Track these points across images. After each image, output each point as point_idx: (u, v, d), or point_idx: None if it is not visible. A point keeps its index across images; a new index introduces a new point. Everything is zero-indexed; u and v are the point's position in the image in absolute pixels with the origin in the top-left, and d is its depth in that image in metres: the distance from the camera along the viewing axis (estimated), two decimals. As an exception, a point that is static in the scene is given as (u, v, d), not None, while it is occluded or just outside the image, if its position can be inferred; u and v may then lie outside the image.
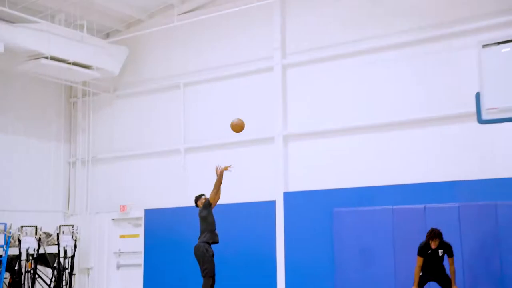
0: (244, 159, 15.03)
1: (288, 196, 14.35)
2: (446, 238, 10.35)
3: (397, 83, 13.35)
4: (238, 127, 11.06)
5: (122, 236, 17.05)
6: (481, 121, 9.53)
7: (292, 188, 14.43)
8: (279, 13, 14.95)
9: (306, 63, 14.57)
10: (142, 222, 16.46)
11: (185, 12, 16.28)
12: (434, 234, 10.11)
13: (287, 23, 14.97)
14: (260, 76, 15.21)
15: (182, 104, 16.33)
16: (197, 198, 11.75)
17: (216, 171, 11.15)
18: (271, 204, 14.51)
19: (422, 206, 12.23)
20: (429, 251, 10.22)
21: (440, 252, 10.23)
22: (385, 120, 13.32)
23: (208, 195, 11.49)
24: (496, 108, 9.34)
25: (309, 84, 14.56)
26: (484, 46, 9.62)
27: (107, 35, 17.65)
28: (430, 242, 10.18)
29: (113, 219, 17.10)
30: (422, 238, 10.86)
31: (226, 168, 11.16)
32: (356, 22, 13.93)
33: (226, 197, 14.84)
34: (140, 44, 17.21)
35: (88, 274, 17.14)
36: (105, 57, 16.37)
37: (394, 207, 12.56)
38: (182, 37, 16.54)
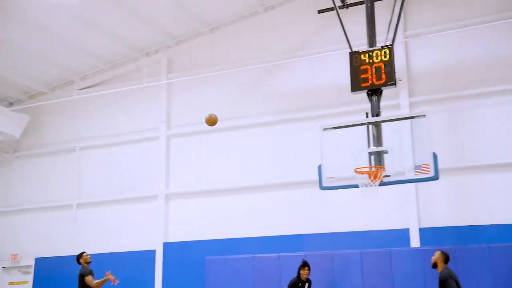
0: (131, 213, 16.44)
1: (168, 246, 15.63)
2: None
3: (260, 154, 15.20)
4: (211, 122, 10.57)
5: (11, 283, 17.30)
6: (322, 187, 11.17)
7: (171, 239, 15.73)
8: (165, 92, 16.71)
9: (188, 134, 16.25)
10: (32, 270, 17.00)
11: (85, 88, 17.70)
12: (306, 263, 11.66)
13: (173, 100, 16.71)
14: (148, 144, 16.73)
15: (78, 165, 17.44)
16: (79, 256, 11.37)
17: (107, 274, 10.95)
18: (152, 253, 15.73)
19: (277, 255, 13.51)
20: (300, 284, 11.60)
21: (306, 285, 11.65)
22: (249, 183, 15.06)
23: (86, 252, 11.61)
24: (333, 177, 11.05)
25: (189, 152, 16.20)
26: (324, 129, 11.40)
27: (11, 104, 18.58)
28: (301, 271, 11.59)
29: (3, 267, 17.47)
30: (278, 281, 12.70)
31: (114, 280, 10.96)
32: (231, 104, 15.74)
33: (112, 246, 16.31)
34: (42, 113, 18.18)
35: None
36: (7, 123, 17.10)
37: (255, 255, 13.75)
38: (81, 108, 17.75)
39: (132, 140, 17.05)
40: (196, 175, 16.02)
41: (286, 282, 12.08)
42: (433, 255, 9.53)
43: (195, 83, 16.24)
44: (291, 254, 13.42)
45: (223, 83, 16.03)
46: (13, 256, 17.40)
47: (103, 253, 16.17)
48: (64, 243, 16.92)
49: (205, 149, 16.09)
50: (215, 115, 10.61)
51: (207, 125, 10.73)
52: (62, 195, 17.51)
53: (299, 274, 11.75)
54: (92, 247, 16.13)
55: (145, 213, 16.38)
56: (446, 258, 9.31)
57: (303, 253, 13.09)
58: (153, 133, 16.74)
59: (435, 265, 9.39)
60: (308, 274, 11.73)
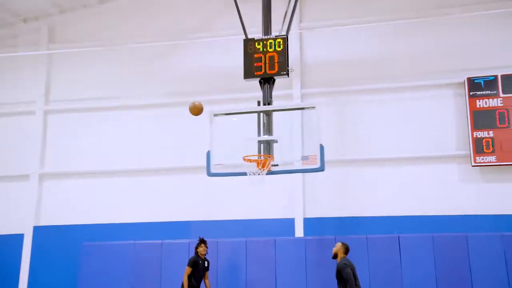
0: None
1: (39, 230, 14.75)
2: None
3: (147, 136, 14.74)
4: (195, 110, 10.32)
5: None
6: (210, 174, 11.04)
7: (43, 223, 14.86)
8: (45, 64, 15.74)
9: (68, 111, 15.46)
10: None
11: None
12: (202, 239, 11.43)
13: (54, 73, 15.79)
14: (22, 118, 15.69)
15: None
16: None
17: None
18: (19, 237, 14.77)
19: (160, 241, 13.18)
20: (200, 262, 11.26)
21: (206, 263, 11.41)
22: (133, 166, 14.60)
23: None
24: (221, 164, 10.98)
25: (69, 130, 15.36)
26: (215, 115, 11.27)
27: None
28: (198, 249, 11.33)
29: None
30: (159, 268, 12.49)
31: None
32: (119, 82, 15.21)
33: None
34: None
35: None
36: None
37: (136, 241, 13.35)
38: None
39: (5, 112, 15.95)
40: (75, 155, 15.25)
41: (168, 270, 11.91)
42: (333, 246, 9.73)
43: (80, 57, 15.47)
44: (175, 241, 13.22)
45: (111, 59, 15.39)
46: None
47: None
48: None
49: (86, 128, 15.38)
50: (199, 103, 10.34)
51: (191, 113, 10.47)
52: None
53: (196, 252, 11.41)
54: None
55: (15, 194, 15.38)
56: (346, 249, 9.54)
57: (187, 240, 12.95)
58: (28, 106, 15.71)
59: (335, 256, 9.57)
60: (206, 251, 11.49)
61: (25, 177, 15.25)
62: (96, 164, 14.99)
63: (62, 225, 14.69)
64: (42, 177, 15.25)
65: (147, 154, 14.69)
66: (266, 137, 11.11)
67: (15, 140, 15.66)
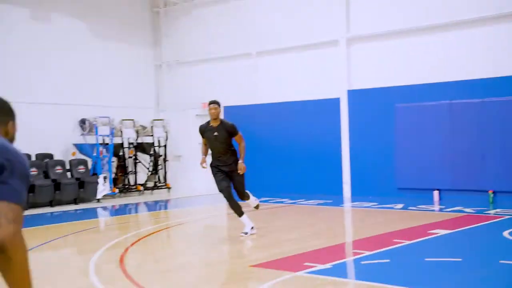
0: (310, 60, 15.62)
1: (353, 94, 14.84)
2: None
3: None
4: None
5: None
6: None
7: (355, 87, 14.85)
8: None
9: None
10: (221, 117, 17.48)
11: None
12: (210, 101, 9.11)
13: None
14: None
15: (252, 12, 16.64)
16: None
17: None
18: (336, 101, 15.10)
19: (479, 100, 12.42)
20: (206, 127, 9.07)
21: (215, 134, 8.88)
22: (443, 20, 13.34)
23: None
24: None
25: None
26: None
27: None
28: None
29: (197, 115, 17.81)
30: (479, 130, 11.70)
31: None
32: None
33: (294, 95, 16.00)
34: None
35: (180, 160, 18.23)
36: None
37: (452, 101, 12.82)
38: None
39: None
40: (381, 15, 14.51)
41: (489, 130, 11.11)
42: None
43: None
44: (496, 99, 12.24)
45: None
46: (203, 104, 17.68)
47: (285, 102, 16.05)
48: (246, 92, 16.92)
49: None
50: None
51: None
52: (241, 43, 17.05)
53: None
54: (273, 96, 16.40)
55: (327, 60, 15.49)
56: None
57: (510, 97, 12.00)
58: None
59: None
60: (215, 114, 8.92)
61: (334, 42, 15.20)
62: (404, 22, 14.03)
63: (374, 88, 14.50)
64: (349, 41, 14.98)
65: (456, 4, 13.30)
66: None
67: (322, 5, 15.50)
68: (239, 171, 8.75)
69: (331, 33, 15.28)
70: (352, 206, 12.88)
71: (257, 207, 9.56)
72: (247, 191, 9.19)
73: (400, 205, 12.31)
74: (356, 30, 15.00)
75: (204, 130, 9.06)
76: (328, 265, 6.64)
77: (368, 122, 14.59)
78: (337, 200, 13.98)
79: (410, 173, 13.60)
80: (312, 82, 15.66)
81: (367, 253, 7.31)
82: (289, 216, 11.54)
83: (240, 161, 8.80)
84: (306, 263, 6.70)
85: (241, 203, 9.05)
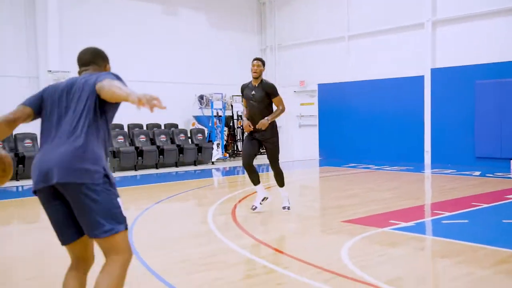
0: (397, 42, 15.15)
1: (435, 72, 14.27)
2: None
3: None
4: None
5: (302, 104, 17.95)
6: None
7: (438, 65, 14.28)
8: None
9: None
10: (316, 94, 17.27)
11: None
12: (255, 58, 7.33)
13: None
14: None
15: (346, 1, 16.37)
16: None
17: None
18: (421, 78, 14.54)
19: None
20: (247, 87, 7.34)
21: (253, 92, 7.15)
22: None
23: None
24: None
25: None
26: None
27: None
28: None
29: (294, 91, 17.99)
30: None
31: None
32: None
33: (382, 74, 15.57)
34: None
35: (279, 131, 18.31)
36: None
37: None
38: None
39: None
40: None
41: None
42: None
43: None
44: None
45: None
46: (301, 82, 17.77)
47: (374, 80, 15.66)
48: (339, 72, 16.67)
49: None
50: None
51: None
52: (335, 29, 16.76)
53: None
54: (362, 74, 16.05)
55: (412, 41, 14.94)
56: None
57: None
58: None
59: None
60: (258, 71, 7.11)
61: (420, 25, 14.62)
62: (485, 4, 13.24)
63: (455, 66, 13.80)
64: (435, 24, 14.36)
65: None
66: None
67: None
68: (258, 126, 7.00)
69: (417, 16, 14.70)
70: (432, 173, 12.44)
71: (264, 199, 7.48)
72: (281, 168, 7.39)
73: (478, 173, 11.75)
74: (441, 14, 14.31)
75: (244, 88, 7.34)
76: (411, 223, 6.49)
77: (449, 97, 13.95)
78: (418, 167, 13.54)
79: (489, 144, 12.96)
80: (399, 61, 15.18)
81: (447, 214, 7.05)
82: (375, 179, 11.33)
83: (266, 118, 7.00)
84: (391, 221, 6.58)
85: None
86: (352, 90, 16.26)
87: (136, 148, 13.88)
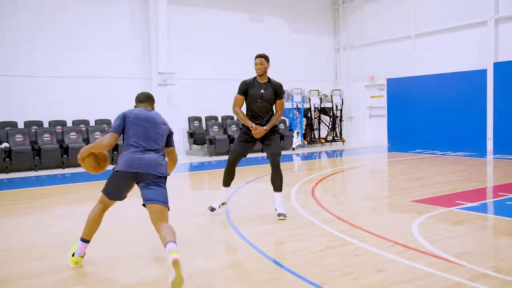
0: (461, 39, 14.35)
1: (497, 66, 13.38)
2: None
3: None
4: None
5: (372, 97, 17.53)
6: None
7: (501, 59, 13.39)
8: None
9: None
10: (385, 87, 16.75)
11: None
12: (257, 55, 5.81)
13: None
14: None
15: (413, 1, 15.73)
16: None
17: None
18: (484, 72, 13.72)
19: None
20: (251, 83, 5.86)
21: (262, 91, 5.79)
22: None
23: None
24: None
25: None
26: None
27: None
28: None
29: (365, 86, 17.59)
30: None
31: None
32: None
33: (447, 68, 14.78)
34: None
35: (351, 120, 18.12)
36: None
37: None
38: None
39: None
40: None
41: None
42: None
43: None
44: None
45: None
46: (371, 77, 17.30)
47: (438, 74, 14.92)
48: (406, 67, 16.06)
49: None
50: None
51: None
52: (402, 29, 16.13)
53: None
54: (428, 69, 15.32)
55: (476, 37, 14.05)
56: None
57: None
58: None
59: None
60: (261, 70, 5.75)
61: (483, 23, 13.75)
62: None
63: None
64: (497, 21, 13.45)
65: None
66: None
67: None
68: (256, 135, 5.64)
69: (480, 15, 13.82)
70: (494, 158, 11.68)
71: (223, 204, 6.05)
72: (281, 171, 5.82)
73: (539, 158, 10.93)
74: (503, 12, 13.36)
75: (249, 86, 5.74)
76: (476, 203, 6.15)
77: (511, 89, 13.00)
78: (481, 153, 12.77)
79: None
80: (462, 56, 14.37)
81: (510, 195, 6.61)
82: (440, 164, 10.83)
83: (264, 128, 5.64)
84: (457, 201, 6.27)
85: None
86: (418, 84, 15.62)
87: (229, 136, 14.15)
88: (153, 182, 3.84)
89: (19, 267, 4.05)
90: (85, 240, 3.93)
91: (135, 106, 4.21)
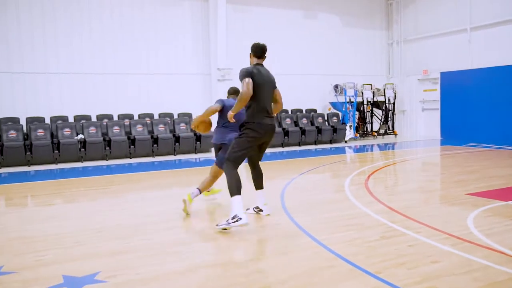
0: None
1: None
2: None
3: None
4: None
5: (425, 90, 16.98)
6: None
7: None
8: None
9: None
10: (439, 81, 16.14)
11: None
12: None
13: None
14: None
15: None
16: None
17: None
18: None
19: None
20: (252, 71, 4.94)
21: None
22: None
23: None
24: None
25: None
26: None
27: None
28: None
29: (418, 79, 17.06)
30: None
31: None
32: None
33: (501, 61, 14.05)
34: None
35: (404, 114, 17.66)
36: None
37: None
38: None
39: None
40: None
41: None
42: None
43: None
44: None
45: None
46: (424, 71, 16.74)
47: (493, 67, 14.19)
48: (460, 60, 15.43)
49: None
50: None
51: None
52: (457, 22, 15.45)
53: None
54: (482, 62, 14.62)
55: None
56: None
57: None
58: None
59: None
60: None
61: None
62: None
63: None
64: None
65: None
66: None
67: None
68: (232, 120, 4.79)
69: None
70: (554, 152, 11.01)
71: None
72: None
73: None
74: None
75: (256, 73, 4.76)
76: (533, 198, 5.85)
77: None
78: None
79: None
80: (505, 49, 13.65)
81: None
82: (496, 157, 10.33)
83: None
84: (513, 195, 6.00)
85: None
86: (473, 77, 14.91)
87: (283, 129, 14.18)
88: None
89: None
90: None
91: (227, 97, 5.67)
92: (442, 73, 16.04)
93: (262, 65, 5.01)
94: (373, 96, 16.43)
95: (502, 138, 13.74)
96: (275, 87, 5.09)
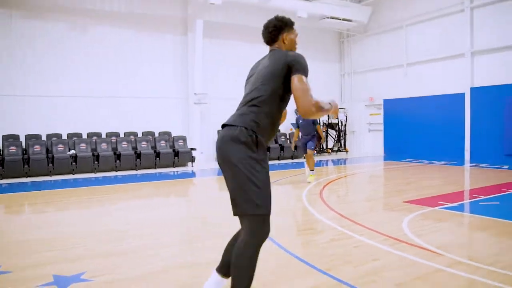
0: (444, 67, 14.18)
1: (474, 90, 13.19)
2: None
3: None
4: None
5: (371, 114, 17.34)
6: None
7: (476, 85, 13.19)
8: None
9: None
10: (382, 107, 16.61)
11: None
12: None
13: None
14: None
15: (405, 39, 15.63)
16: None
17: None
18: (462, 95, 13.52)
19: None
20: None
21: None
22: None
23: None
24: None
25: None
26: None
27: (359, 1, 17.18)
28: None
29: (365, 105, 17.46)
30: None
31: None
32: None
33: (432, 91, 14.64)
34: (381, 4, 16.54)
35: (353, 134, 18.02)
36: (359, 14, 16.24)
37: None
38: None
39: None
40: (499, 32, 12.52)
41: None
42: None
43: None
44: None
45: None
46: (370, 98, 17.23)
47: (426, 96, 14.80)
48: (399, 90, 15.96)
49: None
50: None
51: None
52: (396, 58, 16.05)
53: None
54: (417, 92, 15.16)
55: (455, 67, 13.90)
56: None
57: None
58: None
59: None
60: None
61: (461, 55, 13.59)
62: (506, 39, 12.08)
63: (490, 86, 12.72)
64: (473, 54, 13.29)
65: None
66: None
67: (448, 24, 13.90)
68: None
69: (459, 48, 13.67)
70: (471, 166, 11.53)
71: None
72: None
73: (506, 166, 10.82)
74: (477, 46, 13.18)
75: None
76: (455, 204, 6.13)
77: (485, 110, 12.88)
78: (460, 162, 12.61)
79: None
80: (445, 82, 14.23)
81: (483, 197, 6.59)
82: (427, 170, 10.75)
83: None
84: (440, 202, 6.26)
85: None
86: (409, 104, 15.49)
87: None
88: None
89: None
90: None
91: None
92: (384, 100, 16.57)
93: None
94: (328, 119, 16.76)
95: (432, 155, 14.28)
96: None
